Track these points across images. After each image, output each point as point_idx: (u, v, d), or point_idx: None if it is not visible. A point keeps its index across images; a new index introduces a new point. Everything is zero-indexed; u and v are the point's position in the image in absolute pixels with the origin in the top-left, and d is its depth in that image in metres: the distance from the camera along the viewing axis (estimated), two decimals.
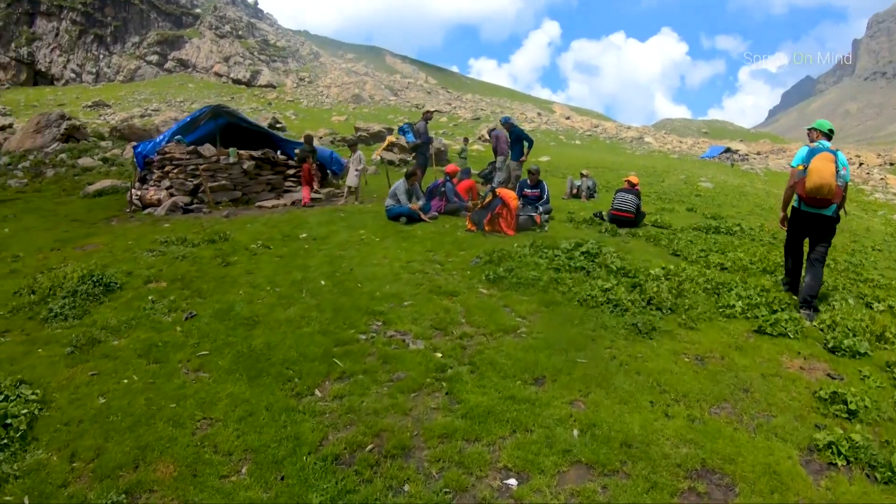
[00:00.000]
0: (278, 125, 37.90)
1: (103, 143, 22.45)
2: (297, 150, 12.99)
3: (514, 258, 6.55)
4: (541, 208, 9.42)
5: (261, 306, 5.46)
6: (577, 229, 9.20)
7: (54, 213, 12.08)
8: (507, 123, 12.29)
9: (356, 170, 12.04)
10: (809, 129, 5.16)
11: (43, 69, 53.58)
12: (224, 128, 13.42)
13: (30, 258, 8.07)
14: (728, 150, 46.52)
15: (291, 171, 13.59)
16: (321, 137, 31.14)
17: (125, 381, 4.32)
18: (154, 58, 57.68)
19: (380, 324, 4.88)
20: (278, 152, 13.18)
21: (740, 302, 5.32)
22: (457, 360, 4.12)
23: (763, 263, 7.06)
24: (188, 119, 12.89)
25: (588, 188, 14.02)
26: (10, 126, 21.62)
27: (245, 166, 11.74)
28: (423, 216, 9.41)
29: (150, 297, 5.95)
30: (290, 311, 5.27)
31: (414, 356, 4.18)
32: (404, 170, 22.54)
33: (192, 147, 11.57)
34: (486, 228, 8.50)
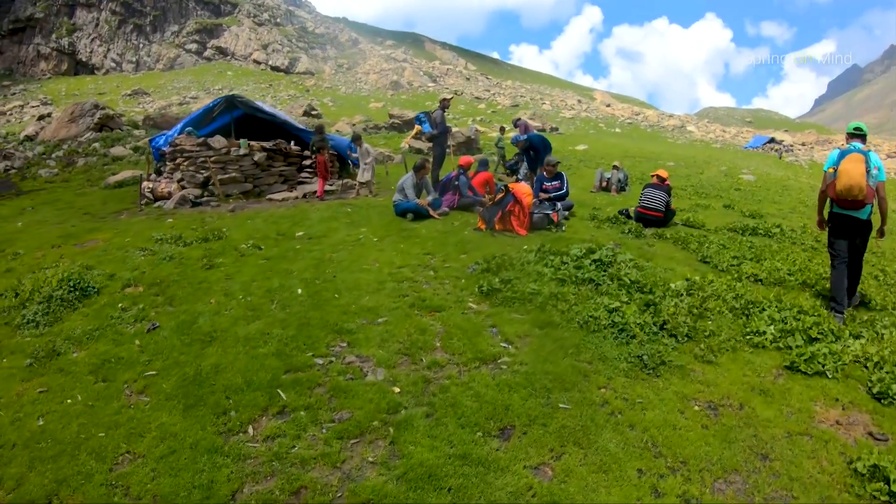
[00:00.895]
0: (314, 112, 37.96)
1: (137, 132, 22.99)
2: (312, 140, 12.69)
3: (516, 266, 5.89)
4: (558, 205, 8.65)
5: (225, 319, 5.07)
6: (599, 229, 8.39)
7: (70, 206, 12.25)
8: (518, 143, 11.72)
9: (364, 163, 11.60)
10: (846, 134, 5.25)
11: (84, 59, 55.51)
12: (243, 119, 13.25)
13: (29, 256, 8.05)
14: (772, 140, 45.10)
15: (308, 163, 13.30)
16: (354, 124, 30.96)
17: (69, 400, 4.06)
18: (193, 46, 58.73)
19: (344, 345, 4.38)
20: (291, 143, 12.86)
21: (772, 327, 4.48)
22: (415, 398, 3.56)
23: (803, 275, 6.10)
24: (202, 111, 12.76)
25: (619, 181, 13.05)
26: (49, 115, 22.51)
27: (256, 158, 11.48)
28: (431, 212, 8.83)
29: (120, 305, 5.72)
30: (252, 327, 4.85)
31: (367, 390, 3.65)
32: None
33: (202, 139, 11.41)
34: (497, 227, 7.84)
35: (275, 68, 58.80)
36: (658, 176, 9.34)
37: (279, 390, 3.73)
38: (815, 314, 4.72)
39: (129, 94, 39.46)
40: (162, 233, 8.44)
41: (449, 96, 11.72)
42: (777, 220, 9.87)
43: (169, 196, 11.32)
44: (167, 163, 12.06)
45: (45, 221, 10.60)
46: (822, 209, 5.31)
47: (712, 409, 3.47)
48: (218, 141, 11.30)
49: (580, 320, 4.56)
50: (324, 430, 3.26)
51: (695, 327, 4.48)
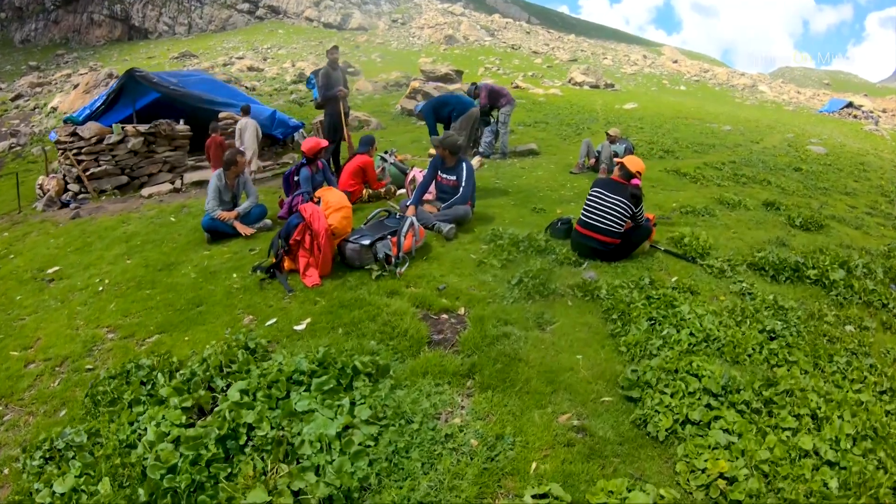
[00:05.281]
0: (350, 69, 34.83)
1: None
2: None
3: (145, 389, 2.85)
4: (411, 221, 4.74)
5: None
6: (479, 268, 4.38)
7: None
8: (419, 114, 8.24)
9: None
10: None
11: (137, 24, 53.61)
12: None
13: None
14: (850, 104, 35.96)
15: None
16: (376, 81, 27.71)
17: None
18: (245, 6, 55.44)
19: None
20: (181, 121, 9.99)
21: None
22: None
23: (866, 486, 2.02)
24: (103, 97, 10.46)
25: (612, 156, 8.87)
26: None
27: (130, 145, 9.04)
28: (239, 228, 5.56)
29: None
30: None
31: None
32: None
33: (73, 128, 9.17)
34: (284, 266, 4.47)
35: (327, 25, 55.35)
36: (623, 164, 4.85)
37: None
38: None
39: (177, 57, 38.15)
40: None
41: (336, 47, 8.09)
42: (845, 236, 5.61)
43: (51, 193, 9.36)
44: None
45: None
46: None
47: None
48: (88, 129, 8.88)
49: None
50: None
51: None
